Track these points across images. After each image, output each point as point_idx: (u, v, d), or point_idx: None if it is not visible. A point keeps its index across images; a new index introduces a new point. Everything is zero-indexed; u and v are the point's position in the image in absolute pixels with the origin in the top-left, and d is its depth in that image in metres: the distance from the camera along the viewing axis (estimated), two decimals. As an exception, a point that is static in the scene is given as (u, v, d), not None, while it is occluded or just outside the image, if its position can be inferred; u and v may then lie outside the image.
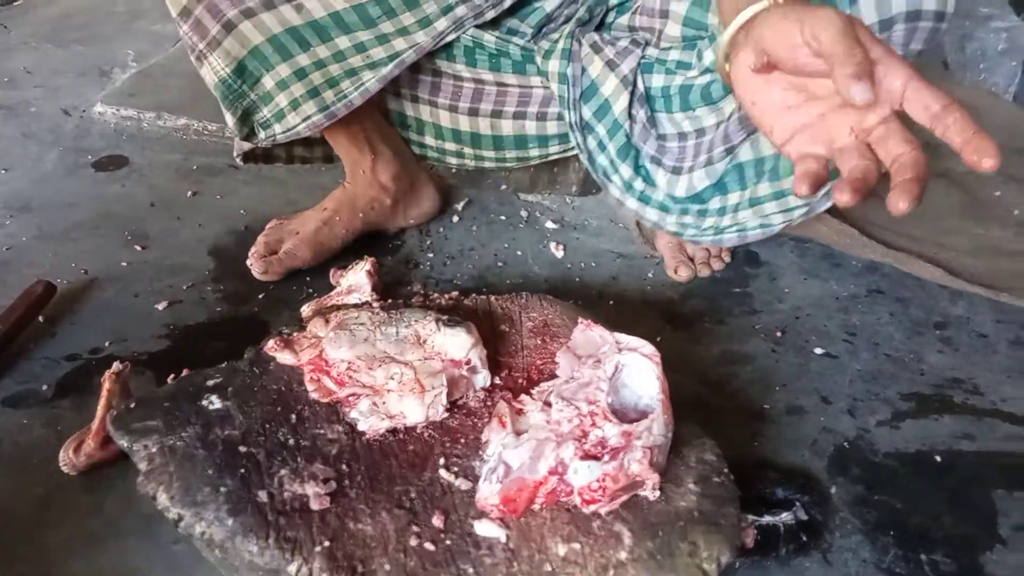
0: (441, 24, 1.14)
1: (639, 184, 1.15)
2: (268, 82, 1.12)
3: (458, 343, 0.87)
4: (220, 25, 1.09)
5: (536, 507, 0.75)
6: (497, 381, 0.90)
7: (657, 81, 1.12)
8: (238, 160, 1.22)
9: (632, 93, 1.13)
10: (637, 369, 0.80)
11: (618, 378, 0.80)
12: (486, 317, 0.98)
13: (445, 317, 0.90)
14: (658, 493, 0.75)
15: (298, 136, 1.15)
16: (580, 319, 0.87)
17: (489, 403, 0.87)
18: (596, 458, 0.73)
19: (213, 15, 1.09)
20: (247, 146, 1.19)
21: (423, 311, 0.92)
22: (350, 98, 1.12)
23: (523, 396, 0.84)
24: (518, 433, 0.78)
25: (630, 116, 1.13)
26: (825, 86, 0.72)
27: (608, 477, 0.72)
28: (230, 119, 1.16)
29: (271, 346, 0.88)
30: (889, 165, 0.68)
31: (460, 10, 1.14)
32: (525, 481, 0.74)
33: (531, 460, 0.75)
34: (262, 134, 1.17)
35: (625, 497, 0.74)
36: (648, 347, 0.81)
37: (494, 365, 0.91)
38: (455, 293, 1.04)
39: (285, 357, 0.88)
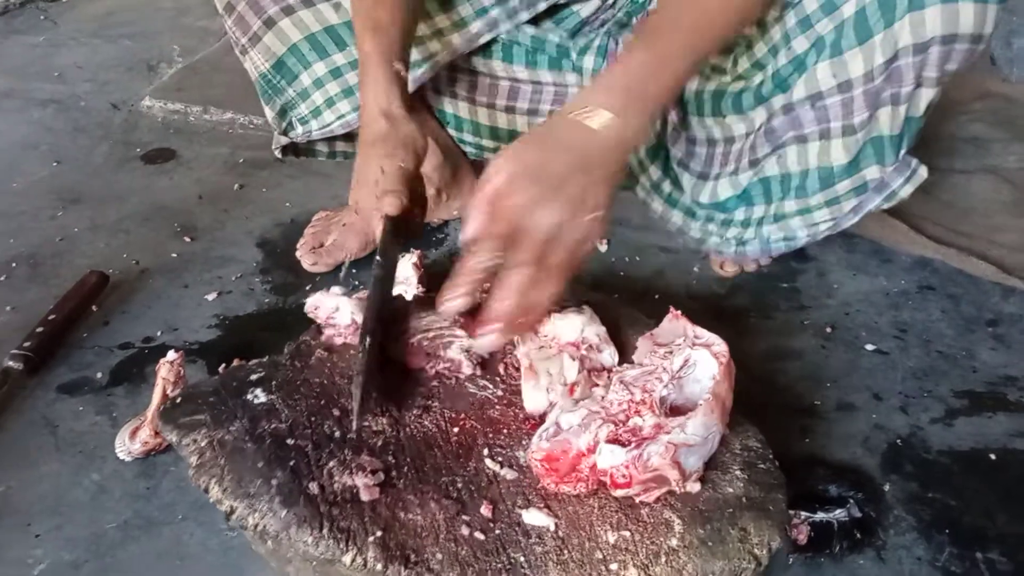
0: (476, 26, 1.14)
1: (667, 186, 1.15)
2: (306, 79, 1.14)
3: (569, 325, 0.86)
4: (261, 21, 1.12)
5: (584, 488, 0.75)
6: None
7: (691, 83, 1.12)
8: (276, 153, 1.24)
9: None
10: (705, 366, 0.79)
11: (689, 372, 0.79)
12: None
13: (557, 306, 0.90)
14: (693, 488, 0.75)
15: (333, 133, 1.17)
16: (671, 308, 0.86)
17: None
18: (624, 444, 0.73)
19: (255, 11, 1.12)
20: (284, 140, 1.21)
21: None
22: None
23: (603, 372, 0.84)
24: (578, 401, 0.79)
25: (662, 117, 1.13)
26: None
27: (630, 465, 0.71)
28: (269, 113, 1.19)
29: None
30: None
31: (494, 12, 1.14)
32: (570, 443, 0.74)
33: (579, 427, 0.75)
34: (299, 129, 1.19)
35: (659, 490, 0.74)
36: (719, 345, 0.79)
37: None
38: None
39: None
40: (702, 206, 1.14)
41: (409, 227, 0.91)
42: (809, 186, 1.04)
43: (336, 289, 0.88)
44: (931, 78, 0.92)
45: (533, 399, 0.82)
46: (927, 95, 0.94)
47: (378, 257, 0.88)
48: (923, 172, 1.01)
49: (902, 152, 0.99)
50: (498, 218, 0.73)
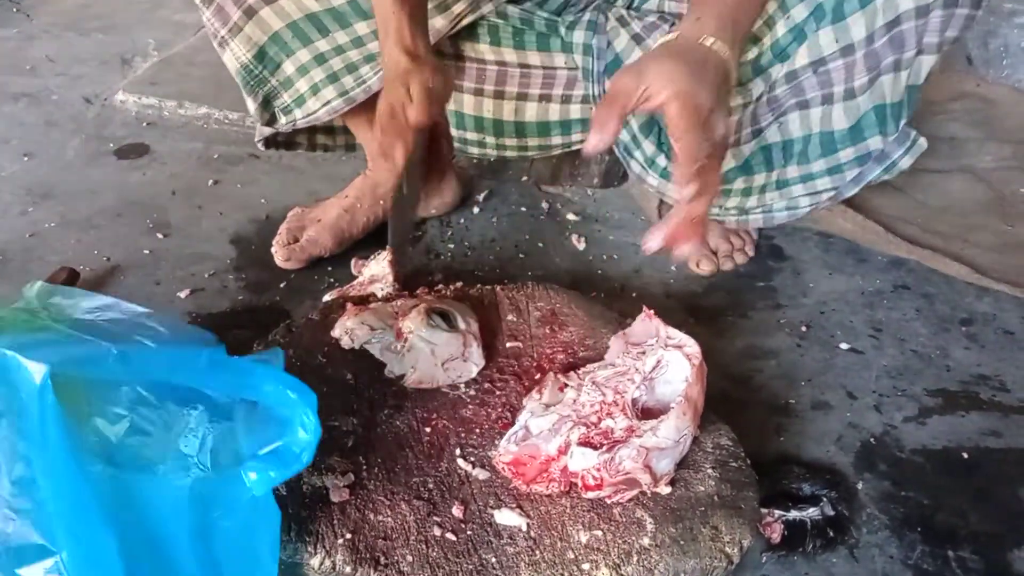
0: (458, 7, 1.14)
1: (662, 160, 1.15)
2: (288, 67, 1.13)
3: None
4: (241, 11, 1.10)
5: (556, 488, 0.74)
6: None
7: None
8: (259, 146, 1.22)
9: None
10: (677, 367, 0.79)
11: (661, 373, 0.79)
12: (493, 307, 0.98)
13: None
14: (664, 490, 0.75)
15: (318, 121, 1.16)
16: (644, 308, 0.86)
17: (505, 392, 0.87)
18: (595, 447, 0.73)
19: (235, 1, 1.10)
20: (268, 131, 1.19)
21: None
22: (369, 83, 1.13)
23: (571, 373, 0.84)
24: (548, 406, 0.78)
25: None
26: None
27: (602, 468, 0.71)
28: (251, 104, 1.17)
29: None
30: None
31: None
32: (539, 449, 0.73)
33: (548, 432, 0.75)
34: (283, 119, 1.18)
35: (630, 492, 0.74)
36: (692, 347, 0.79)
37: (496, 353, 0.91)
38: (459, 284, 1.03)
39: None
40: None
41: (434, 158, 0.95)
42: (811, 152, 1.05)
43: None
44: (932, 44, 0.93)
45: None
46: (928, 62, 0.95)
47: (399, 180, 0.92)
48: (923, 143, 1.03)
49: (902, 121, 1.01)
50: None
